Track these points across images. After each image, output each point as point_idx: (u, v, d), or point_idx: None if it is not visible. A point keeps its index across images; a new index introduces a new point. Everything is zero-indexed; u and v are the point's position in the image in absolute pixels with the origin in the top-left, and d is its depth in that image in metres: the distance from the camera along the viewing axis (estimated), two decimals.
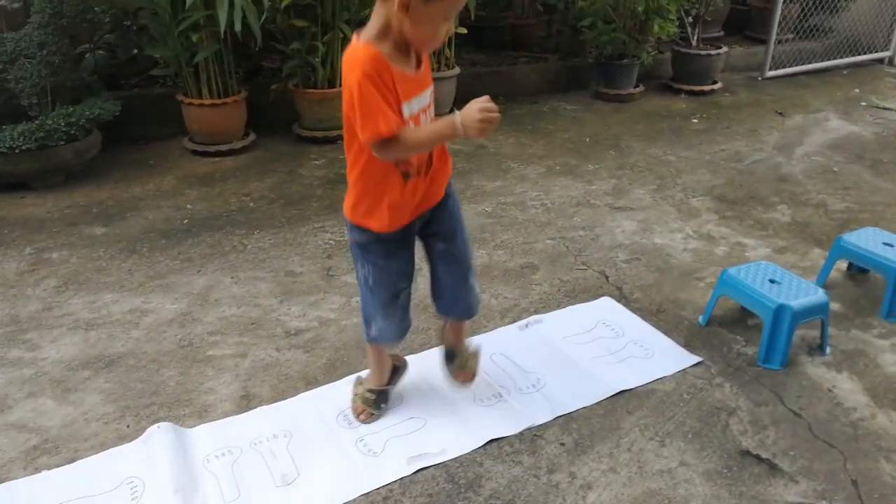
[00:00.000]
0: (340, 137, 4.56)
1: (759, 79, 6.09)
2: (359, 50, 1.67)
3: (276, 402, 2.23)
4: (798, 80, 6.08)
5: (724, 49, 5.68)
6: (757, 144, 4.56)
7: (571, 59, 5.86)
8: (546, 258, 3.16)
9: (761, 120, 5.05)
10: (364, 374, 2.31)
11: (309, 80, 4.45)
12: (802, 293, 2.45)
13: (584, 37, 5.43)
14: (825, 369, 2.44)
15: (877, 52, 6.75)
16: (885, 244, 2.79)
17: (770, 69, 6.11)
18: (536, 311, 2.77)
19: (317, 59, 4.33)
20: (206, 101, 4.18)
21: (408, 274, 2.05)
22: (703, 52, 5.55)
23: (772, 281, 2.53)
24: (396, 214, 1.88)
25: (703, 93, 5.61)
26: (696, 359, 2.51)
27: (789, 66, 6.25)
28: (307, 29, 4.21)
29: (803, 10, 6.51)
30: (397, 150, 1.73)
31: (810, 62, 6.36)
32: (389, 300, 2.02)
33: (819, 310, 2.45)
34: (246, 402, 2.21)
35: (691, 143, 4.58)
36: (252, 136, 4.49)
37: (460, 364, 2.31)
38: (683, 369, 2.42)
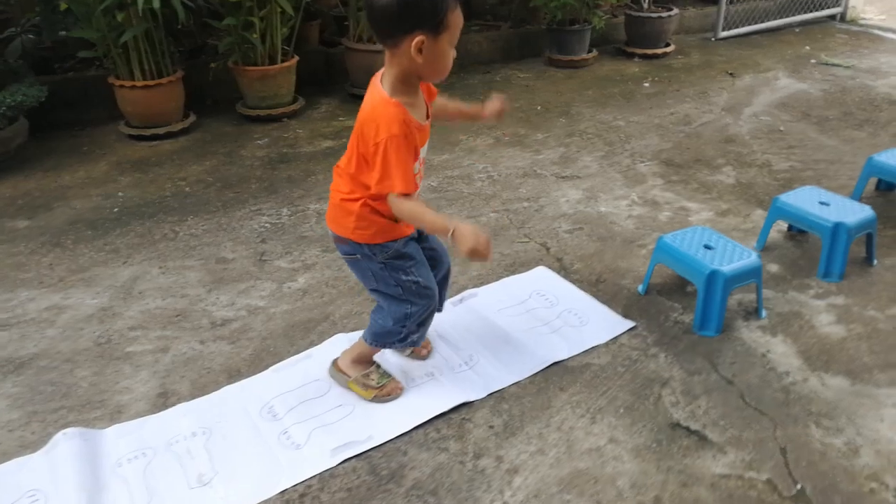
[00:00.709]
0: (285, 115, 4.47)
1: (713, 39, 6.03)
2: (389, 107, 1.75)
3: (195, 398, 2.16)
4: (751, 40, 6.03)
5: (676, 11, 5.61)
6: (706, 106, 4.52)
7: (524, 26, 5.75)
8: (488, 232, 3.10)
9: (712, 81, 5.00)
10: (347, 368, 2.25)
11: (249, 57, 4.31)
12: (736, 258, 2.42)
13: (534, 3, 5.32)
14: (760, 333, 2.42)
15: (828, 8, 6.72)
16: (821, 203, 2.77)
17: (723, 30, 6.06)
18: (474, 287, 2.73)
19: (254, 36, 4.19)
20: (139, 83, 4.03)
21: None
22: (654, 15, 5.47)
23: (706, 247, 2.50)
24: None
25: (656, 56, 5.54)
26: (630, 323, 2.49)
27: (742, 26, 6.20)
28: (242, 3, 4.06)
29: None
30: (396, 208, 1.81)
31: (763, 21, 6.32)
32: (433, 297, 2.08)
33: (752, 274, 2.43)
34: (163, 401, 2.13)
35: (641, 108, 4.53)
36: (192, 118, 4.35)
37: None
38: (619, 341, 2.39)
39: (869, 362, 2.27)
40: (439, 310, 2.23)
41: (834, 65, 5.25)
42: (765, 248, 2.91)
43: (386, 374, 2.23)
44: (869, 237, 2.74)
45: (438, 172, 3.69)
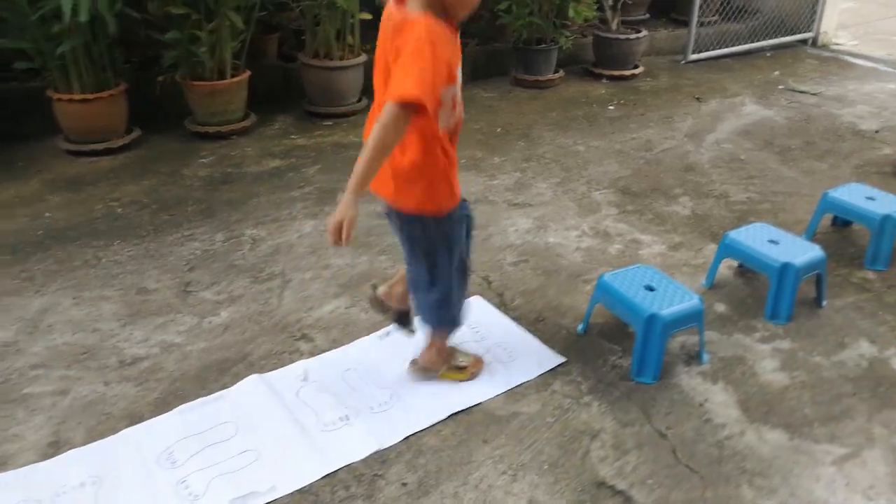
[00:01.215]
0: (234, 132, 4.33)
1: (682, 62, 5.96)
2: (428, 16, 1.66)
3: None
4: (721, 64, 5.97)
5: (645, 33, 5.53)
6: (669, 132, 4.42)
7: (492, 44, 5.65)
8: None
9: (678, 106, 4.91)
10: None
11: (197, 71, 4.17)
12: (677, 301, 2.30)
13: (500, 21, 5.22)
14: (700, 380, 2.30)
15: (800, 32, 6.69)
16: (770, 241, 2.66)
17: (693, 52, 5.99)
18: None
19: (202, 50, 4.04)
20: (77, 96, 3.86)
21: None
22: (622, 37, 5.38)
23: (648, 287, 2.38)
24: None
25: (623, 77, 5.46)
26: (561, 358, 2.39)
27: (713, 49, 6.13)
28: (187, 16, 3.92)
29: None
30: (384, 119, 1.63)
31: (735, 44, 6.26)
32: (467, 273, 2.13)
33: (693, 318, 2.31)
34: (53, 451, 1.96)
35: (604, 132, 4.42)
36: (136, 133, 4.19)
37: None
38: (552, 388, 2.26)
39: (810, 414, 2.16)
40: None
41: (801, 91, 5.18)
42: (714, 286, 2.80)
43: (467, 352, 2.33)
44: (819, 278, 2.64)
45: None
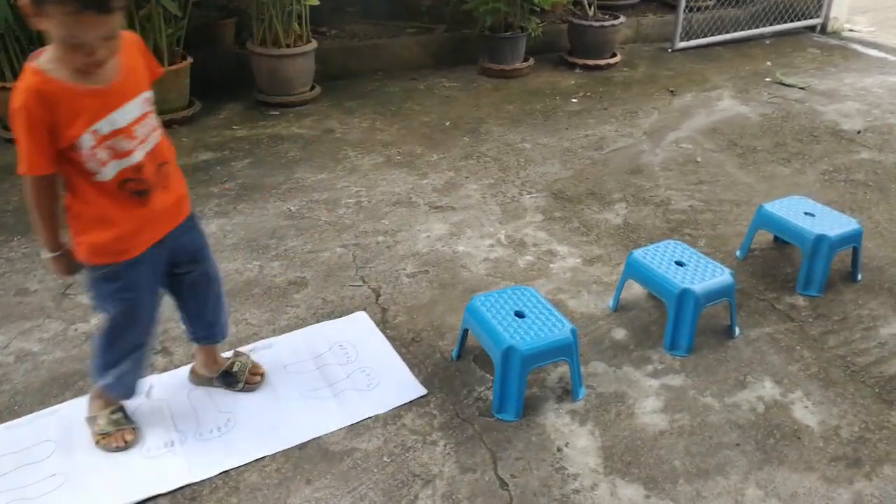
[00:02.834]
0: (174, 122, 4.18)
1: (669, 50, 5.60)
2: (25, 76, 1.56)
3: None
4: (711, 52, 5.59)
5: (623, 19, 5.19)
6: (628, 129, 4.12)
7: (461, 30, 5.38)
8: (323, 272, 2.78)
9: (648, 99, 4.59)
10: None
11: None
12: (545, 330, 2.07)
13: (465, 7, 4.95)
14: (568, 420, 2.07)
15: (808, 18, 6.24)
16: (677, 263, 2.40)
17: (681, 40, 5.62)
18: (274, 336, 2.41)
19: None
20: (10, 84, 3.76)
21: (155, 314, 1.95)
22: (596, 24, 5.06)
23: (518, 314, 2.15)
24: (138, 236, 1.78)
25: (598, 67, 5.14)
26: (422, 391, 2.17)
27: (705, 36, 5.75)
28: None
29: None
30: (29, 191, 1.66)
31: (731, 31, 5.86)
32: (142, 341, 1.93)
33: (561, 352, 2.07)
34: None
35: (557, 128, 4.15)
36: None
37: (244, 370, 2.19)
38: (402, 421, 2.06)
39: (679, 467, 1.91)
40: (221, 337, 2.13)
41: (788, 85, 4.80)
42: (620, 308, 2.55)
43: (118, 422, 2.00)
44: (730, 306, 2.37)
45: (305, 195, 3.37)
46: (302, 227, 3.11)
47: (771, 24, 6.06)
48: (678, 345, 2.32)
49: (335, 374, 2.26)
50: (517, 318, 2.12)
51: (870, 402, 2.11)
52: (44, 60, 1.56)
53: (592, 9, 5.13)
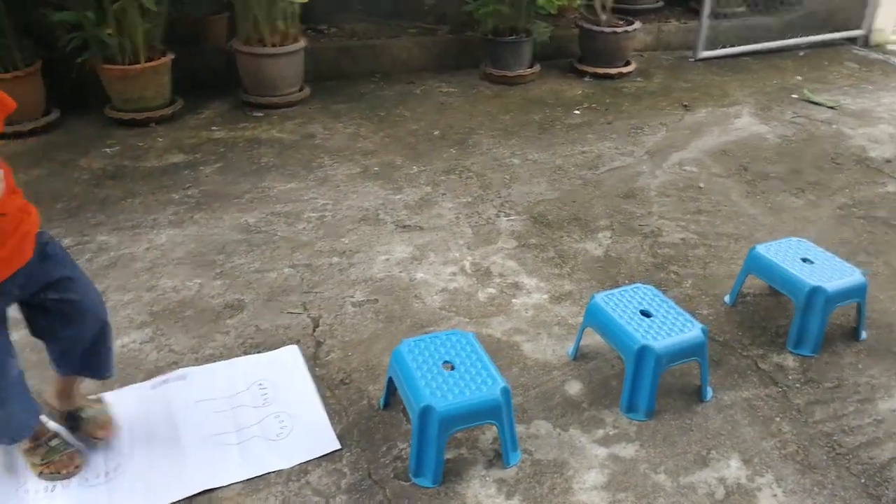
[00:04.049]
0: (153, 120, 4.00)
1: (691, 60, 5.23)
2: None
3: None
4: (737, 64, 5.19)
5: (637, 26, 4.84)
6: (630, 147, 3.79)
7: (465, 32, 5.09)
8: (264, 294, 2.55)
9: (657, 114, 4.24)
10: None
11: (108, 54, 3.85)
12: (472, 388, 1.80)
13: (466, 9, 4.66)
14: (494, 490, 1.80)
15: (849, 29, 5.79)
16: (642, 313, 2.09)
17: (705, 49, 5.23)
18: (192, 366, 2.20)
19: (107, 32, 3.72)
20: None
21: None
22: (608, 30, 4.72)
23: (447, 364, 1.88)
24: None
25: (609, 76, 4.80)
26: (335, 446, 1.93)
27: (732, 46, 5.36)
28: None
29: None
30: None
31: (763, 41, 5.45)
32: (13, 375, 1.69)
33: (488, 414, 1.79)
34: None
35: (552, 143, 3.84)
36: (54, 116, 3.93)
37: (96, 419, 1.96)
38: (308, 478, 1.82)
39: None
40: (107, 374, 1.92)
41: (816, 103, 4.39)
42: (580, 357, 2.26)
43: (57, 449, 1.86)
44: (700, 365, 2.06)
45: (267, 206, 3.14)
46: (255, 243, 2.88)
47: (807, 35, 5.62)
48: (636, 407, 2.02)
49: (246, 419, 2.03)
50: (443, 371, 1.86)
51: (853, 496, 1.78)
52: None
53: (605, 14, 4.79)
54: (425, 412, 1.75)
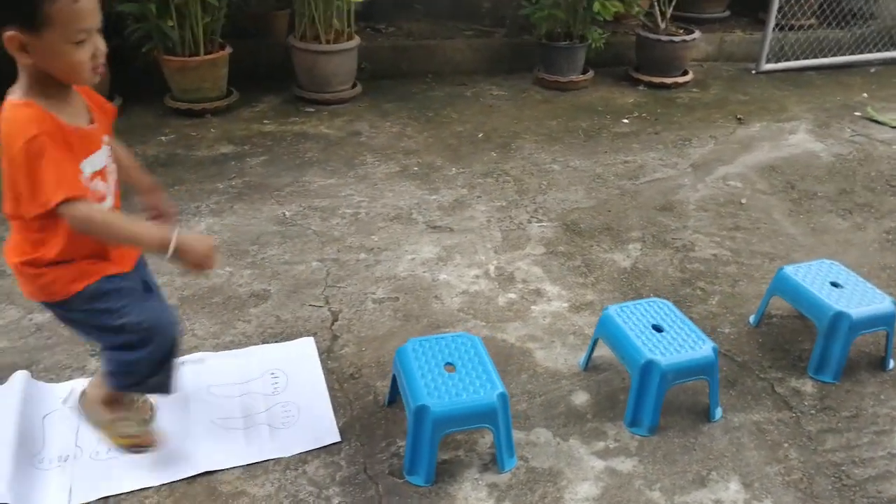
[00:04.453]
0: (208, 111, 4.16)
1: (753, 72, 5.08)
2: (18, 110, 1.45)
3: None
4: (801, 78, 5.02)
5: (696, 35, 4.73)
6: (674, 158, 3.72)
7: (522, 36, 5.09)
8: (290, 286, 2.63)
9: (708, 126, 4.15)
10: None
11: (169, 45, 4.03)
12: (470, 391, 1.82)
13: (522, 12, 4.66)
14: (486, 494, 1.81)
15: None
16: (654, 327, 2.06)
17: (768, 61, 5.08)
18: (210, 351, 2.29)
19: (169, 24, 3.89)
20: None
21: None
22: (665, 38, 4.64)
23: (448, 366, 1.91)
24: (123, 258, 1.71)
25: (664, 86, 4.72)
26: (335, 438, 1.98)
27: (798, 59, 5.18)
28: None
29: None
30: (79, 221, 1.49)
31: (830, 55, 5.25)
32: (159, 335, 1.72)
33: (483, 417, 1.81)
34: None
35: (595, 150, 3.81)
36: (116, 103, 4.13)
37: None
38: (306, 468, 1.87)
39: None
40: None
41: (879, 122, 4.21)
42: (590, 368, 2.24)
43: (144, 423, 1.94)
44: (710, 385, 2.02)
45: (305, 200, 3.23)
46: (288, 235, 2.97)
47: (880, 51, 5.39)
48: (639, 422, 2.00)
49: (255, 405, 2.10)
50: (444, 372, 1.88)
51: None
52: (27, 94, 1.47)
53: (664, 22, 4.71)
54: (420, 411, 1.78)
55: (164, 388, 1.82)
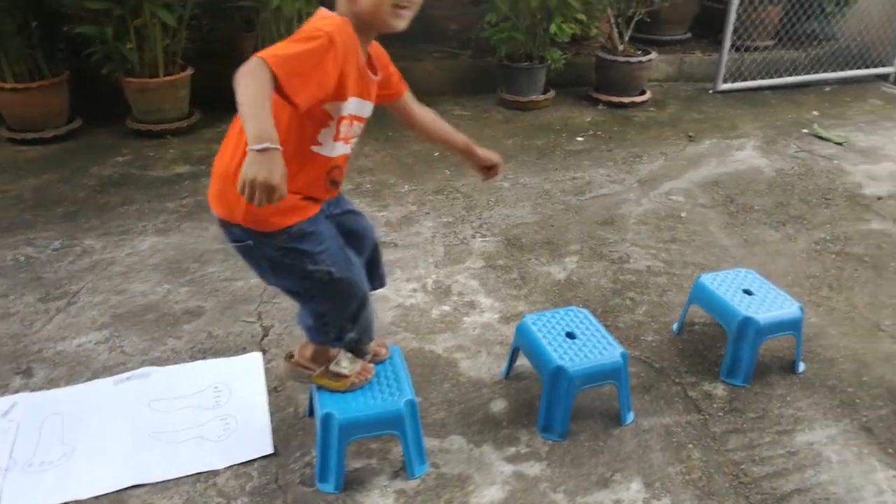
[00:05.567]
0: (169, 132, 4.23)
1: (710, 92, 5.18)
2: (335, 18, 1.54)
3: None
4: (756, 97, 5.12)
5: (653, 56, 4.84)
6: (622, 175, 3.80)
7: (486, 58, 5.20)
8: (225, 302, 2.68)
9: (660, 143, 4.23)
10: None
11: (128, 67, 4.11)
12: (377, 398, 1.86)
13: (482, 34, 4.77)
14: (392, 500, 1.85)
15: (881, 66, 5.62)
16: (568, 335, 2.11)
17: (725, 81, 5.18)
18: (154, 366, 2.33)
19: (129, 46, 3.98)
20: (8, 85, 3.94)
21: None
22: (621, 59, 4.74)
23: (379, 378, 1.95)
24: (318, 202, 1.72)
25: (622, 105, 4.81)
26: (268, 450, 2.01)
27: (755, 79, 5.29)
28: (108, 11, 3.85)
29: (787, 13, 5.49)
30: (244, 71, 1.37)
31: (787, 75, 5.36)
32: (354, 290, 1.76)
33: (389, 424, 1.85)
34: None
35: (547, 168, 3.88)
36: (76, 124, 4.21)
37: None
38: (217, 480, 1.90)
39: None
40: (381, 286, 2.03)
41: (824, 138, 4.29)
42: (512, 377, 2.29)
43: (355, 359, 1.91)
44: (619, 389, 2.07)
45: None
46: (231, 253, 3.00)
47: (835, 70, 5.51)
48: (551, 427, 2.04)
49: (195, 419, 2.14)
50: (377, 385, 1.93)
51: None
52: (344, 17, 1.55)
53: (623, 43, 4.81)
54: (326, 419, 1.82)
55: (365, 340, 1.87)
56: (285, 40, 1.46)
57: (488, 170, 2.00)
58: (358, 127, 1.70)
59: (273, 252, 1.66)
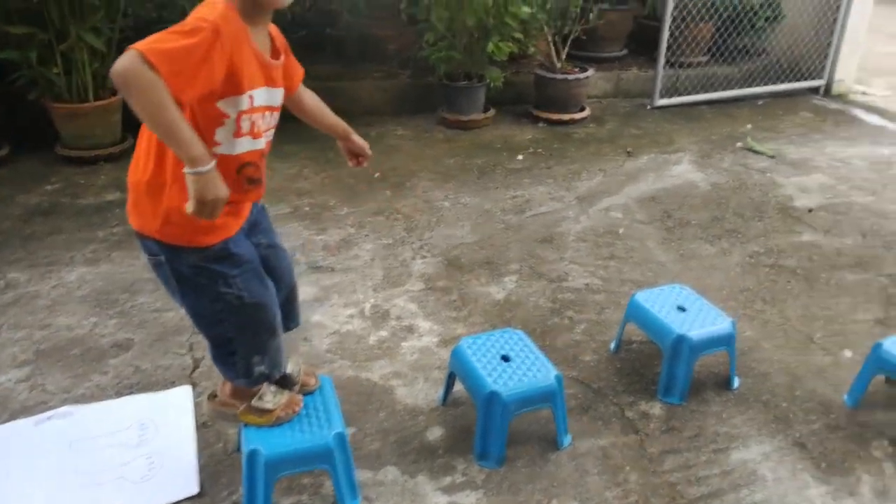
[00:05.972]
0: (102, 158, 4.10)
1: (648, 107, 5.28)
2: (215, 5, 1.46)
3: None
4: (692, 112, 5.23)
5: (590, 73, 4.91)
6: (562, 192, 3.82)
7: (427, 77, 5.20)
8: (155, 335, 2.58)
9: (599, 160, 4.28)
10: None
11: (56, 92, 3.98)
12: (307, 432, 1.80)
13: (421, 54, 4.77)
14: None
15: (811, 79, 5.82)
16: (503, 358, 2.09)
17: (662, 97, 5.30)
18: (76, 404, 2.22)
19: (55, 71, 3.85)
20: None
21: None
22: (559, 77, 4.80)
23: (308, 410, 1.89)
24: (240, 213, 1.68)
25: (562, 122, 4.86)
26: (193, 491, 1.92)
27: (690, 94, 5.41)
28: (31, 36, 3.72)
29: (718, 29, 5.65)
30: (133, 75, 1.31)
31: (721, 89, 5.51)
32: (265, 318, 1.73)
33: (318, 458, 1.79)
34: None
35: (487, 187, 3.88)
36: (4, 152, 4.05)
37: (297, 371, 1.98)
38: None
39: None
40: (296, 325, 2.02)
41: (757, 152, 4.41)
42: (450, 403, 2.25)
43: (280, 391, 1.85)
44: (554, 413, 2.05)
45: None
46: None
47: (767, 84, 5.68)
48: (487, 454, 2.01)
49: (116, 459, 2.04)
50: (306, 416, 1.86)
51: None
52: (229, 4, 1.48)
53: (560, 61, 4.87)
54: (252, 455, 1.75)
55: (275, 371, 1.81)
56: (168, 30, 1.39)
57: (358, 158, 2.03)
58: (272, 117, 1.64)
59: (186, 269, 1.61)
